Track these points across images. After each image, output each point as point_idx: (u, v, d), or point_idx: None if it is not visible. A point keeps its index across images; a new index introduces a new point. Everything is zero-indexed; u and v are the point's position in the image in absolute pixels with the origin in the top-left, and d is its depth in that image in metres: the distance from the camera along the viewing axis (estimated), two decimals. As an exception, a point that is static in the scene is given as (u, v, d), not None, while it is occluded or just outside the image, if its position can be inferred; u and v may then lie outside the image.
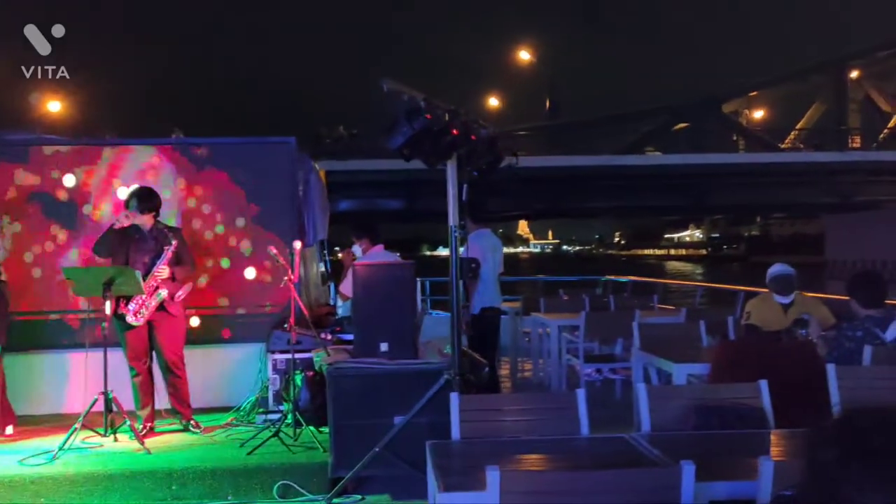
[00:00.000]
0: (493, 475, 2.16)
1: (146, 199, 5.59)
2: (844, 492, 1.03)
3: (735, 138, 35.39)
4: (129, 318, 5.44)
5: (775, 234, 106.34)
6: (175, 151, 6.56)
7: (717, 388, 3.76)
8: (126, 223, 5.45)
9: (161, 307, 5.52)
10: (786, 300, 5.58)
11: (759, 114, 39.29)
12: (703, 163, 29.77)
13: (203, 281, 6.40)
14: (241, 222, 6.51)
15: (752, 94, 39.23)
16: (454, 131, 4.07)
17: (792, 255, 66.13)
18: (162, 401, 5.78)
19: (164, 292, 5.47)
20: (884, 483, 1.00)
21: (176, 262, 5.57)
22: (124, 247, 5.51)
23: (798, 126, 38.77)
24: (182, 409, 5.69)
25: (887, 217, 30.89)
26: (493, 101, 46.77)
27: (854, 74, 36.77)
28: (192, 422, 5.68)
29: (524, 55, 47.16)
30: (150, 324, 5.57)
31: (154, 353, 5.67)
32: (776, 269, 5.71)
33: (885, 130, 35.56)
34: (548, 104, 46.18)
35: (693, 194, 30.48)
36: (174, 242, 5.52)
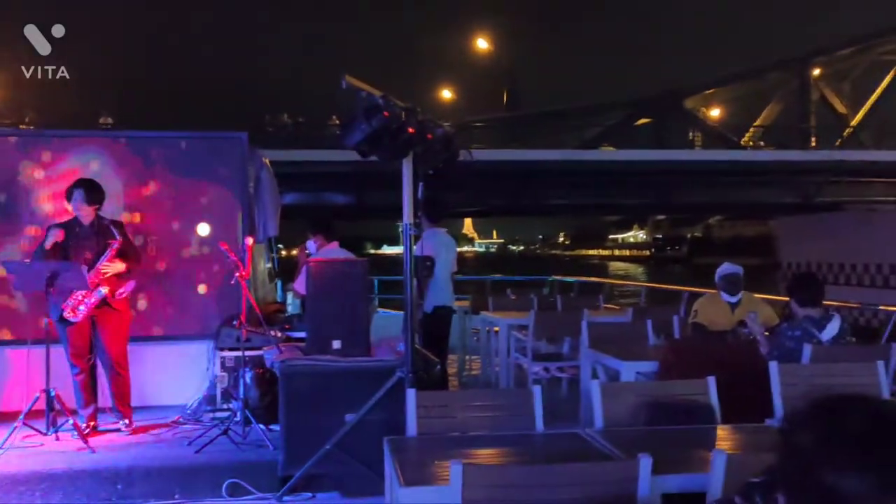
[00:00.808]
0: (456, 469, 2.19)
1: (90, 190, 5.46)
2: (824, 476, 1.06)
3: (691, 136, 34.34)
4: (67, 314, 5.29)
5: (716, 236, 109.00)
6: (120, 145, 6.41)
7: (667, 384, 3.86)
8: (58, 237, 5.28)
9: (105, 303, 5.39)
10: (733, 299, 5.75)
11: (715, 112, 38.03)
12: (667, 159, 28.74)
13: (149, 278, 6.27)
14: (189, 218, 6.40)
15: (708, 91, 37.94)
16: (410, 129, 4.09)
17: (733, 256, 67.80)
18: (106, 398, 5.65)
19: (104, 289, 5.33)
20: (865, 468, 1.03)
21: (119, 256, 5.45)
22: (64, 241, 5.36)
23: (756, 124, 37.81)
24: (122, 409, 5.54)
25: (839, 221, 30.29)
26: (447, 94, 44.88)
27: (816, 72, 36.09)
28: (128, 421, 5.52)
29: (482, 43, 44.71)
30: (92, 320, 5.44)
31: (97, 350, 5.53)
32: (725, 268, 5.87)
33: (849, 129, 34.67)
34: (506, 95, 43.96)
35: (655, 192, 29.29)
36: (119, 239, 5.39)
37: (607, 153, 29.55)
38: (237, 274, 5.27)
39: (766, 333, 5.26)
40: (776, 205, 30.55)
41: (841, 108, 36.35)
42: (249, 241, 5.62)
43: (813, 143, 32.17)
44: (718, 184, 29.03)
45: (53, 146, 6.32)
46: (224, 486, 4.51)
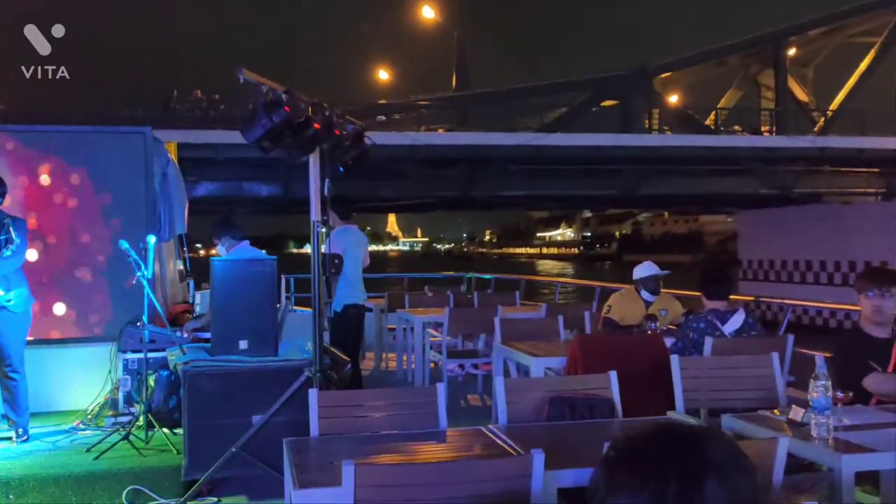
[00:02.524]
0: (347, 470, 2.15)
1: None
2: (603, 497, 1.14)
3: (647, 123, 30.13)
4: None
5: (646, 233, 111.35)
6: (13, 139, 6.12)
7: (570, 379, 3.91)
8: None
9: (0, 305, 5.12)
10: (652, 298, 5.89)
11: (673, 98, 33.93)
12: (638, 145, 25.56)
13: (47, 278, 6.00)
14: (89, 216, 6.15)
15: (677, 72, 33.85)
16: (316, 125, 4.03)
17: (663, 253, 68.61)
18: (-1, 405, 5.38)
19: None
20: (638, 486, 1.10)
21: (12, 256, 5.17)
22: None
23: (720, 106, 33.97)
24: (16, 417, 5.24)
25: (800, 215, 28.16)
26: (384, 75, 39.65)
27: (792, 52, 32.97)
28: (19, 430, 5.21)
29: (428, 12, 38.02)
30: None
31: None
32: (648, 269, 5.97)
33: (828, 112, 31.54)
34: (455, 72, 37.53)
35: (623, 182, 26.02)
36: (17, 241, 5.11)
37: (571, 137, 25.43)
38: (138, 273, 5.08)
39: (671, 327, 5.41)
40: (752, 196, 27.62)
41: (803, 96, 34.10)
42: (152, 239, 5.43)
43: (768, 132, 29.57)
44: (692, 173, 26.30)
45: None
46: (125, 493, 4.35)
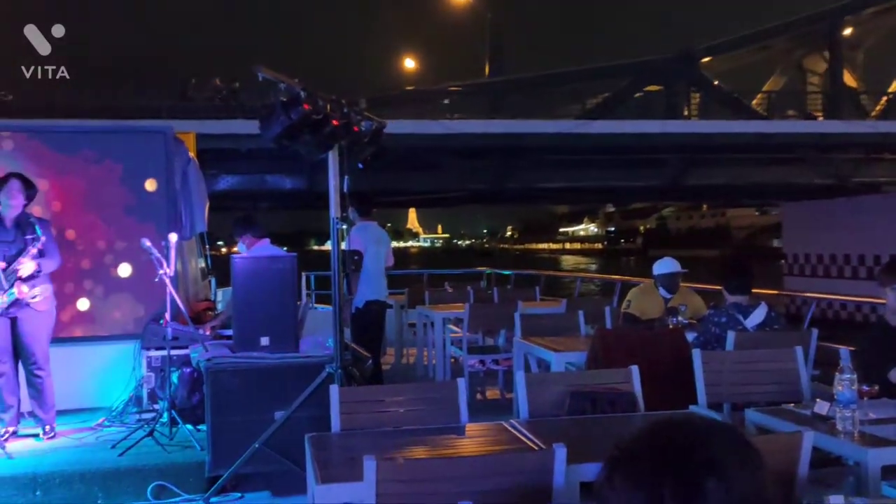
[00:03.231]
0: (369, 465, 2.16)
1: (29, 185, 5.28)
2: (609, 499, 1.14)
3: (686, 109, 27.47)
4: None
5: (672, 227, 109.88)
6: (35, 138, 6.18)
7: (591, 374, 3.90)
8: None
9: (25, 304, 5.18)
10: (669, 295, 5.85)
11: (725, 80, 31.53)
12: (688, 132, 23.38)
13: (71, 277, 6.07)
14: (111, 215, 6.21)
15: (726, 55, 31.31)
16: (335, 122, 4.04)
17: (690, 248, 67.34)
18: (26, 403, 5.44)
19: (14, 292, 5.11)
20: (628, 482, 1.12)
21: (39, 255, 5.24)
22: None
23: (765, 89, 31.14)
24: (43, 414, 5.32)
25: (847, 207, 26.35)
26: (410, 63, 38.37)
27: (848, 31, 30.41)
28: (47, 427, 5.29)
29: None
30: (13, 320, 5.23)
31: (17, 352, 5.32)
32: (666, 266, 5.92)
33: (889, 94, 29.12)
34: (488, 58, 35.01)
35: (670, 172, 24.16)
36: (43, 238, 5.18)
37: (615, 124, 23.24)
38: (161, 272, 5.12)
39: (692, 321, 5.37)
40: (807, 186, 25.40)
41: (851, 81, 31.37)
42: (173, 237, 5.47)
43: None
44: (742, 162, 24.19)
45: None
46: (149, 489, 4.39)
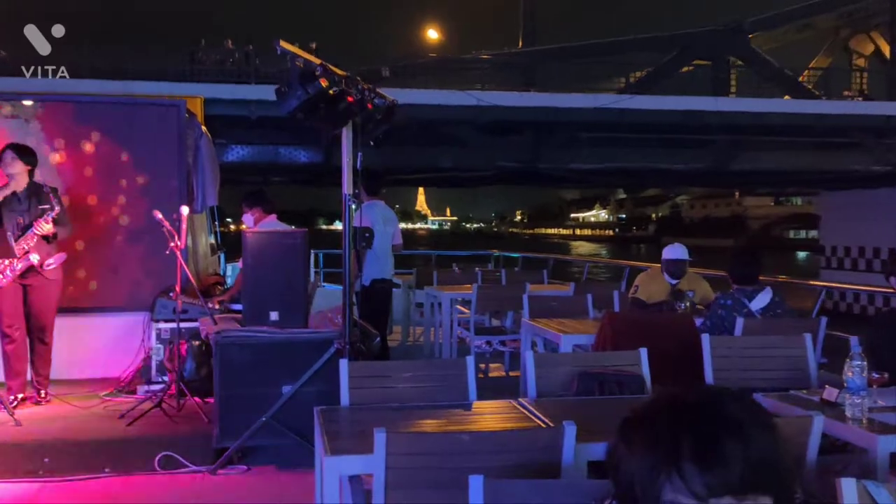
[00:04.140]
0: (379, 437, 2.17)
1: (24, 151, 5.30)
2: (622, 462, 1.15)
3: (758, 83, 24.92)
4: None
5: (686, 216, 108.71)
6: (45, 108, 6.19)
7: (600, 355, 3.90)
8: (7, 192, 5.15)
9: (36, 271, 5.23)
10: (674, 281, 5.85)
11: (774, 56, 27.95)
12: (740, 111, 20.93)
13: (82, 247, 6.09)
14: (123, 185, 6.22)
15: (776, 30, 29.04)
16: (350, 98, 4.02)
17: (705, 237, 66.12)
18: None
19: (35, 257, 5.17)
20: (645, 441, 1.12)
21: (54, 224, 5.28)
22: None
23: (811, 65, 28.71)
24: (39, 380, 5.42)
25: (891, 198, 24.37)
26: (433, 33, 35.39)
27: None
28: (42, 392, 5.42)
29: None
30: (24, 287, 5.27)
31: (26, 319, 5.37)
32: (673, 252, 5.91)
33: None
34: (522, 27, 32.05)
35: (713, 155, 22.03)
36: (57, 208, 5.22)
37: (660, 100, 20.98)
38: (171, 244, 5.14)
39: (700, 307, 5.36)
40: (863, 173, 23.01)
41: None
42: (185, 210, 5.48)
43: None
44: (794, 145, 21.97)
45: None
46: (156, 459, 4.43)
